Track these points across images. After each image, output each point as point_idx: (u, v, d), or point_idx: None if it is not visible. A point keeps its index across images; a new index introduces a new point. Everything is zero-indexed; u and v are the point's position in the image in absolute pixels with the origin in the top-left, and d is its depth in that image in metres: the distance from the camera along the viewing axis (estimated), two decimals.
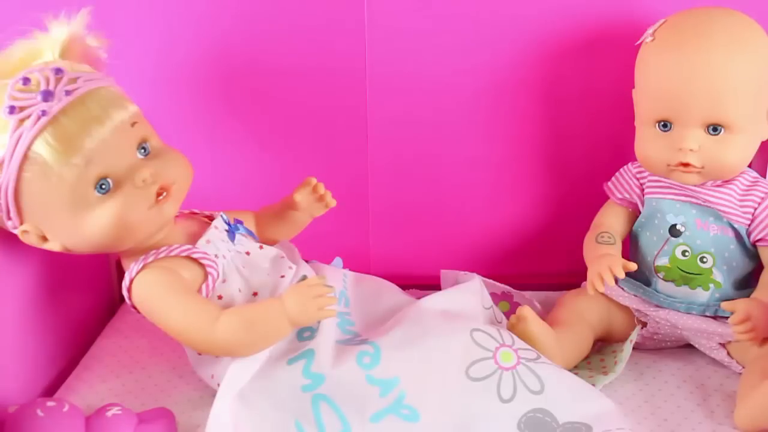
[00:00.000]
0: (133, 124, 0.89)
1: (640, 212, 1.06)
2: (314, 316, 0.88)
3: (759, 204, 1.02)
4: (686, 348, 1.06)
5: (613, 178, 1.09)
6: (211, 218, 0.99)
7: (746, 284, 1.04)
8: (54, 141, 0.84)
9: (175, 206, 0.91)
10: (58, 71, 0.86)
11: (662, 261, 1.03)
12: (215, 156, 1.17)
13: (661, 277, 1.04)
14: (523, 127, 1.16)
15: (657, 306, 1.04)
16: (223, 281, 0.93)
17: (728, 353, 1.02)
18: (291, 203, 1.03)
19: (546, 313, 1.08)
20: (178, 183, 0.91)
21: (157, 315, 0.90)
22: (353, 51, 1.11)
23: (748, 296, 1.00)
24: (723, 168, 1.00)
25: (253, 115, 1.15)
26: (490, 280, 1.09)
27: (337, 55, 1.11)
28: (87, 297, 1.12)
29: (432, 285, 1.11)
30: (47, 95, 0.84)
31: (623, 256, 1.02)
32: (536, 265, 1.22)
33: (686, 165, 0.99)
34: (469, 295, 1.02)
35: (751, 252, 1.03)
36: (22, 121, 0.84)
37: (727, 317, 0.98)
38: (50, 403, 0.88)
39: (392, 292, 1.05)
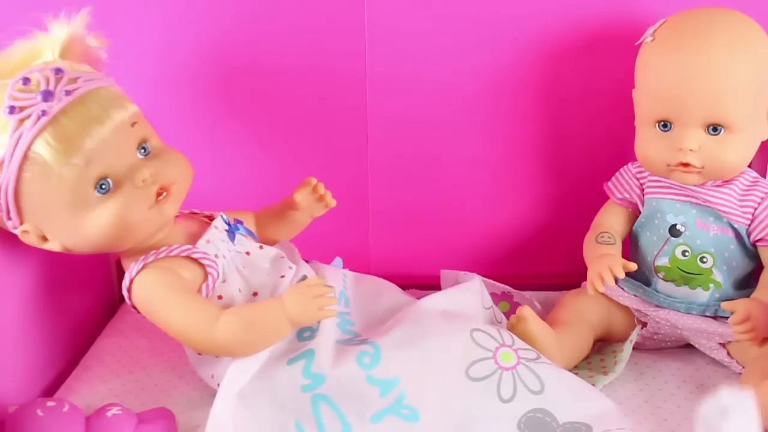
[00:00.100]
0: (133, 124, 0.89)
1: (640, 212, 1.06)
2: (314, 316, 0.88)
3: (759, 204, 1.01)
4: (686, 348, 1.06)
5: (613, 178, 1.09)
6: (211, 218, 0.99)
7: (746, 284, 1.04)
8: (54, 141, 0.84)
9: (175, 206, 0.91)
10: (58, 71, 0.86)
11: (662, 261, 1.03)
12: (215, 156, 1.17)
13: (661, 277, 1.04)
14: (523, 127, 1.15)
15: (657, 306, 1.04)
16: (223, 281, 0.93)
17: (728, 353, 1.02)
18: (291, 203, 1.03)
19: (546, 313, 1.07)
20: (178, 183, 0.90)
21: (157, 315, 0.90)
22: (353, 51, 1.11)
23: (748, 296, 0.99)
24: (723, 168, 1.00)
25: (253, 115, 1.15)
26: (490, 280, 1.09)
27: (337, 55, 1.11)
28: (87, 297, 1.12)
29: (432, 285, 1.11)
30: (47, 95, 0.84)
31: (623, 256, 1.02)
32: (536, 265, 1.22)
33: (686, 165, 0.99)
34: (469, 295, 1.02)
35: (751, 252, 1.03)
36: (22, 121, 0.84)
37: (727, 317, 0.97)
38: (50, 403, 0.88)
39: (392, 292, 1.05)
